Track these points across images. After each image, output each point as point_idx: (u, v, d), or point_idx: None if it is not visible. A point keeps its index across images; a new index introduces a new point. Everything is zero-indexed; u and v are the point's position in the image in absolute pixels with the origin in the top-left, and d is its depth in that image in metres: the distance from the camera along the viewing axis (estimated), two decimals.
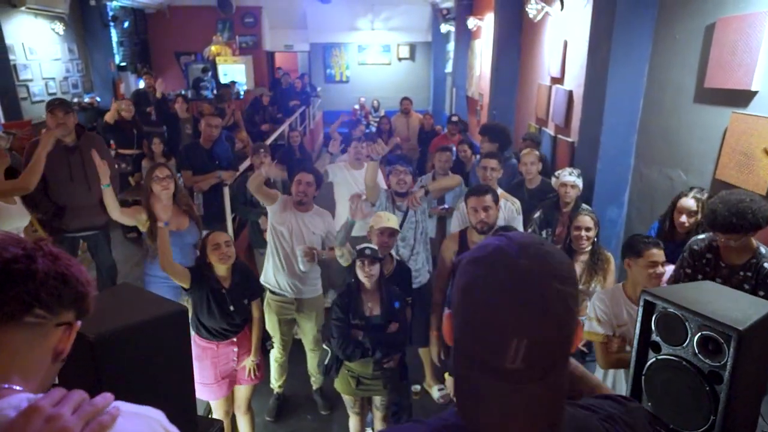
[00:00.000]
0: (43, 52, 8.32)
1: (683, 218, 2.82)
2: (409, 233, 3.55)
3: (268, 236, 3.44)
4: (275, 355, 3.54)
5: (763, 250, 2.33)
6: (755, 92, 2.70)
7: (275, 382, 3.63)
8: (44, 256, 0.86)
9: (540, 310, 0.68)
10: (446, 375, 2.94)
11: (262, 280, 3.52)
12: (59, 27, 8.69)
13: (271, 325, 3.44)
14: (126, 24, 11.20)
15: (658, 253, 2.42)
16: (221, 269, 2.78)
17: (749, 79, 2.68)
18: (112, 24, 10.35)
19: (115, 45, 10.67)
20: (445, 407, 3.56)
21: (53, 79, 8.59)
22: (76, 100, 9.11)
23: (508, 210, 3.56)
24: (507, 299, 0.69)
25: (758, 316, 1.49)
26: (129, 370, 1.44)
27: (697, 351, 1.54)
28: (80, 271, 0.92)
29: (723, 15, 2.93)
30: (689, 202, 2.82)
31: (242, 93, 11.61)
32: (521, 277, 0.69)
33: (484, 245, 0.75)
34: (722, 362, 1.48)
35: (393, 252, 3.52)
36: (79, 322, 0.94)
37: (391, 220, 3.08)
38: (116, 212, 3.20)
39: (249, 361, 2.91)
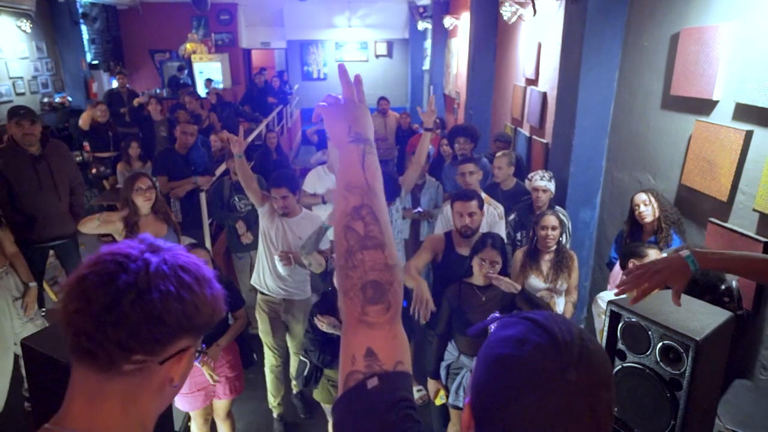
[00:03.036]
0: (9, 50, 8.10)
1: (641, 208, 3.01)
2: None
3: (259, 238, 3.45)
4: (270, 363, 3.51)
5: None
6: (716, 101, 2.80)
7: (273, 400, 3.55)
8: (136, 291, 0.73)
9: (589, 423, 0.65)
10: (432, 382, 2.97)
11: (253, 280, 3.54)
12: (26, 25, 8.46)
13: (263, 328, 3.45)
14: (97, 21, 10.95)
15: (656, 254, 2.51)
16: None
17: (711, 88, 2.78)
18: (82, 21, 10.12)
19: (86, 43, 10.43)
20: (425, 407, 3.61)
21: (21, 78, 8.38)
22: (46, 100, 8.90)
23: (491, 215, 3.61)
24: (555, 418, 0.64)
25: (714, 326, 1.57)
26: None
27: (659, 359, 1.61)
28: (191, 293, 0.77)
29: (686, 26, 3.02)
30: (640, 195, 3.03)
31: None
32: (570, 392, 0.64)
33: (520, 340, 0.68)
34: (682, 370, 1.55)
35: None
36: (196, 350, 0.84)
37: None
38: (91, 227, 3.17)
39: (212, 349, 2.77)
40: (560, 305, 3.22)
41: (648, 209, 2.98)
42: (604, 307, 2.62)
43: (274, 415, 3.58)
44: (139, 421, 0.80)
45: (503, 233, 3.59)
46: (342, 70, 1.05)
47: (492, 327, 0.79)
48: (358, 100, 1.02)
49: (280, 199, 3.27)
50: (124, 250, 0.77)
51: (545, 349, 0.67)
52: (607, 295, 2.67)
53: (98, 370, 0.75)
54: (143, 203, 3.18)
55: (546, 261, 3.18)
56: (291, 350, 3.64)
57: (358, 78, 1.05)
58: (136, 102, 7.03)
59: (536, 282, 3.14)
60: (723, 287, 2.38)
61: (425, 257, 3.15)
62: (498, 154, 4.33)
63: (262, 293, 3.47)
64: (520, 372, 0.66)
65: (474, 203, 3.02)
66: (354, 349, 0.84)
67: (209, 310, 0.81)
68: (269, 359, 3.50)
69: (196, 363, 2.70)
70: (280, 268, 3.33)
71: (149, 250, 0.78)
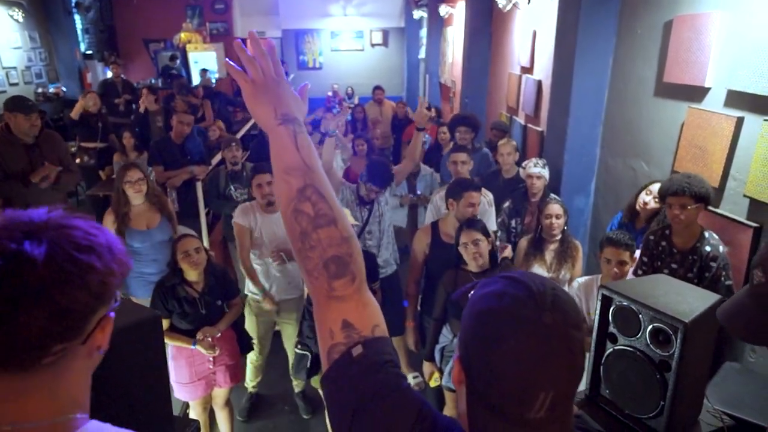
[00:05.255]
0: (1, 40, 8.05)
1: (648, 198, 3.00)
2: (374, 227, 3.61)
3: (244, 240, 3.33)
4: (252, 357, 3.51)
5: (706, 234, 2.50)
6: (708, 88, 2.82)
7: (250, 383, 3.62)
8: (31, 293, 0.66)
9: (567, 364, 0.71)
10: (427, 364, 3.02)
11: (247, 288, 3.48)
12: (18, 14, 8.39)
13: (251, 326, 3.42)
14: (91, 10, 10.86)
15: (612, 252, 2.54)
16: (192, 274, 2.79)
17: (703, 75, 2.80)
18: (75, 10, 10.03)
19: (80, 32, 10.36)
20: (422, 392, 3.66)
21: (14, 68, 8.32)
22: (40, 90, 8.85)
23: (481, 203, 3.64)
24: (535, 357, 0.70)
25: (703, 308, 1.60)
26: (103, 379, 1.47)
27: (649, 342, 1.64)
28: (94, 272, 0.71)
29: (679, 13, 3.04)
30: (656, 186, 2.96)
31: (214, 81, 11.41)
32: (547, 333, 0.70)
33: (499, 293, 0.75)
34: (671, 352, 1.58)
35: (360, 243, 3.62)
36: (112, 314, 0.79)
37: (349, 217, 3.13)
38: None
39: (208, 329, 2.78)
40: None
41: (654, 205, 2.98)
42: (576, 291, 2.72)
43: (248, 392, 3.65)
44: (70, 399, 0.77)
45: (493, 220, 3.63)
46: (253, 39, 0.99)
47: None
48: (276, 75, 0.98)
49: (266, 186, 3.21)
50: None
51: (522, 299, 0.73)
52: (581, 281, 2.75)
53: (15, 373, 0.70)
54: (133, 195, 3.21)
55: (550, 250, 3.17)
56: (289, 351, 3.57)
57: (271, 47, 1.00)
58: (141, 108, 6.78)
59: (539, 271, 3.15)
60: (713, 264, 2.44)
61: (421, 254, 3.21)
62: (502, 141, 4.35)
63: (253, 293, 3.40)
64: (501, 321, 0.72)
65: (479, 195, 3.12)
66: (330, 323, 0.86)
67: (118, 278, 0.75)
68: (253, 353, 3.43)
69: (194, 347, 2.73)
70: (274, 269, 3.30)
71: (27, 237, 0.68)
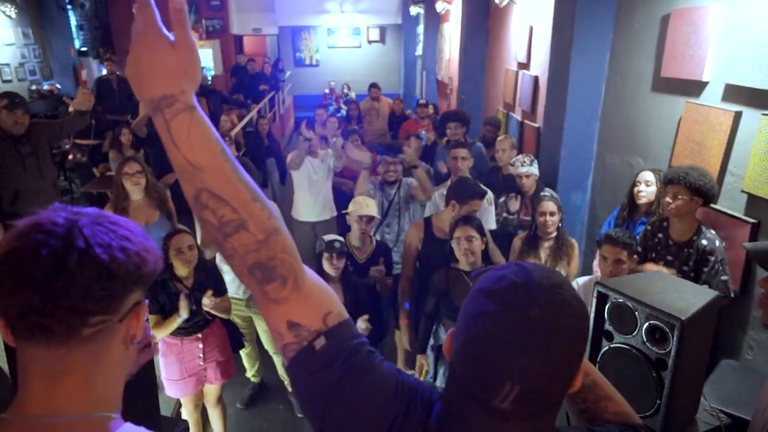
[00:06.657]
0: None
1: (641, 187, 2.96)
2: (393, 220, 3.59)
3: None
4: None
5: (703, 228, 2.49)
6: (706, 83, 2.79)
7: (248, 372, 3.64)
8: (77, 250, 0.70)
9: (541, 363, 0.68)
10: (418, 356, 2.99)
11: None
12: (10, 10, 8.32)
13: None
14: (85, 7, 10.78)
15: (609, 249, 2.48)
16: (183, 270, 2.75)
17: (701, 69, 2.76)
18: (69, 7, 9.96)
19: (74, 29, 10.28)
20: None
21: (8, 65, 8.26)
22: (34, 87, 8.79)
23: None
24: (509, 345, 0.68)
25: (700, 305, 1.57)
26: None
27: (645, 339, 1.61)
28: (131, 243, 0.75)
29: (676, 6, 3.01)
30: (645, 174, 2.98)
31: (210, 78, 11.36)
32: (529, 327, 0.68)
33: (501, 276, 0.74)
34: (667, 350, 1.55)
35: (378, 236, 3.59)
36: (146, 301, 0.82)
37: (371, 206, 3.10)
38: None
39: (206, 300, 2.69)
40: None
41: (648, 190, 2.93)
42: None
43: (251, 382, 3.69)
44: (104, 394, 0.77)
45: (492, 219, 3.59)
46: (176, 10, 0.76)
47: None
48: (183, 37, 0.77)
49: None
50: (45, 218, 0.73)
51: (518, 287, 0.71)
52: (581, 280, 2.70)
53: (57, 344, 0.72)
54: (132, 188, 3.19)
55: (545, 248, 3.12)
56: (270, 351, 3.56)
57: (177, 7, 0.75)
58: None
59: None
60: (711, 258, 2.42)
61: (414, 249, 3.19)
62: (500, 137, 4.34)
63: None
64: (490, 302, 0.72)
65: (481, 201, 3.11)
66: (275, 325, 0.83)
67: (152, 258, 0.78)
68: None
69: (182, 319, 2.67)
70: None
71: (71, 215, 0.75)
